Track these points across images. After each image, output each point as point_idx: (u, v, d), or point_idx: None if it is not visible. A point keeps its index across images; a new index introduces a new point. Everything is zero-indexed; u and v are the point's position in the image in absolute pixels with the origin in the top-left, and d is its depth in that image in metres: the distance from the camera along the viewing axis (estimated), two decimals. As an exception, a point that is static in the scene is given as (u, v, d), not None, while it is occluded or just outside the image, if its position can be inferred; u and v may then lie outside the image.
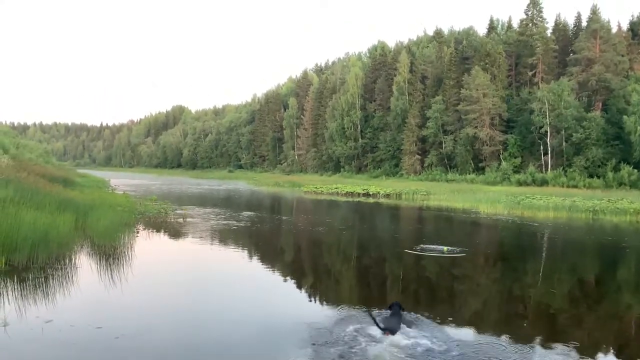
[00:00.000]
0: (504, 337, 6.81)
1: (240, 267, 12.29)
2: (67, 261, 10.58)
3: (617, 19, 73.74)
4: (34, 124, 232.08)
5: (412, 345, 6.12)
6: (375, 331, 6.36)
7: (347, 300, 8.64)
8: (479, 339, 6.73)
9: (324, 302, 8.53)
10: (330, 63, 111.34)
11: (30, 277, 9.10)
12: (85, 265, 10.55)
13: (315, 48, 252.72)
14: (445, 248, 13.94)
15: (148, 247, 13.89)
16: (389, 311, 7.04)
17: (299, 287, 10.27)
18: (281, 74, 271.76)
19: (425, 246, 14.32)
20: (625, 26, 58.32)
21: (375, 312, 7.10)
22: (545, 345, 6.60)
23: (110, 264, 10.80)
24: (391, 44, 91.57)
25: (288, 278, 10.95)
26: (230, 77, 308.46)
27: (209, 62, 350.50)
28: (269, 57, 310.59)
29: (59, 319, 7.04)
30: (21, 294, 8.19)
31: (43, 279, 9.08)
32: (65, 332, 6.58)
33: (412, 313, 7.56)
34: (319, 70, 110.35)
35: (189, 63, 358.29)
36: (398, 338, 6.19)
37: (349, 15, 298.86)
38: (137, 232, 15.69)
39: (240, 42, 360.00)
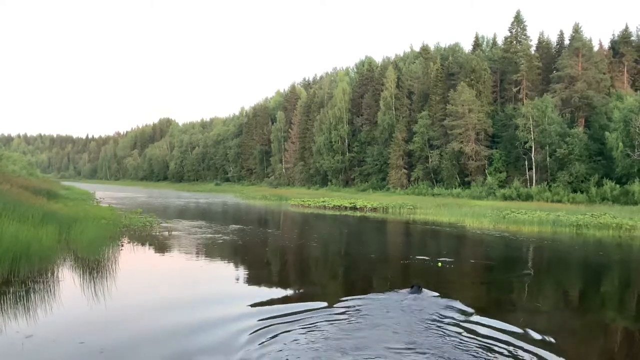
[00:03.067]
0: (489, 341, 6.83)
1: (225, 281, 12.19)
2: (49, 275, 10.41)
3: (599, 37, 75.03)
4: (18, 136, 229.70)
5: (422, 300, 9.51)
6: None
7: (335, 303, 8.60)
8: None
9: (310, 310, 8.48)
10: (317, 77, 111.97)
11: (11, 291, 8.93)
12: (68, 279, 10.39)
13: (304, 61, 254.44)
14: (439, 263, 14.06)
15: (132, 260, 13.73)
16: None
17: (286, 299, 10.19)
18: (268, 88, 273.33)
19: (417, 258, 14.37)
20: (606, 45, 59.78)
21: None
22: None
23: (93, 278, 10.65)
24: (378, 59, 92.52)
25: (274, 291, 10.88)
26: (218, 90, 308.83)
27: (197, 75, 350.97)
28: (257, 70, 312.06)
29: (40, 334, 6.90)
30: (1, 308, 8.02)
31: (24, 293, 8.92)
32: (46, 347, 6.45)
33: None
34: (307, 85, 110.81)
35: (176, 76, 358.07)
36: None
37: (340, 28, 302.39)
38: (122, 246, 15.51)
39: (228, 54, 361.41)
